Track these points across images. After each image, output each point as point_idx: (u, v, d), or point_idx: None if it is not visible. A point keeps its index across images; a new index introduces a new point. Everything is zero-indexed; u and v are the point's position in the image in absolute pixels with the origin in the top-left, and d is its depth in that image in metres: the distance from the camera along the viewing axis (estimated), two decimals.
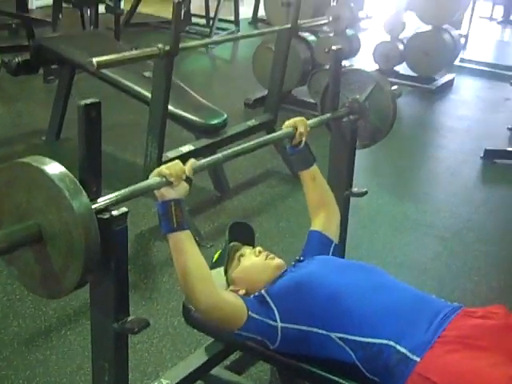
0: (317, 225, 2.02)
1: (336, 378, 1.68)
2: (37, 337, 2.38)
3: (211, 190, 3.67)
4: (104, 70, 3.52)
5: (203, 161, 1.73)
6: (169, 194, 1.51)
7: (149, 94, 3.15)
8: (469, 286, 2.96)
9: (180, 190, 1.53)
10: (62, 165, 1.30)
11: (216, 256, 1.92)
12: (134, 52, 2.97)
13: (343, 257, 2.30)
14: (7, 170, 1.32)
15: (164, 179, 1.51)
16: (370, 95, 2.31)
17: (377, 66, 6.23)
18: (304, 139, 1.97)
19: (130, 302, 2.56)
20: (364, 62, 6.32)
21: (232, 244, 1.89)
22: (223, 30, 7.72)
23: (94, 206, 1.34)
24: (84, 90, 4.47)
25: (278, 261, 1.85)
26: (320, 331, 1.65)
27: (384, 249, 3.25)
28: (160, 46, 2.88)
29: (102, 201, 1.40)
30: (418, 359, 1.52)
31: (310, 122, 2.04)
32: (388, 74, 6.21)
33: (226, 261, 1.85)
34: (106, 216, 1.39)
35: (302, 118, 1.98)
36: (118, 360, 1.52)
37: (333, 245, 1.99)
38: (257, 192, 3.79)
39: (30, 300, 2.56)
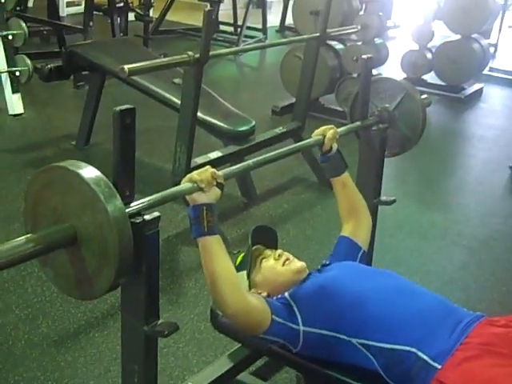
0: (346, 230, 2.03)
1: None
2: (66, 338, 2.42)
3: (238, 197, 3.69)
4: (134, 77, 3.56)
5: (233, 167, 1.76)
6: (200, 198, 1.54)
7: (178, 101, 3.18)
8: (496, 297, 2.93)
9: (211, 195, 1.55)
10: None
11: (239, 259, 1.93)
12: (165, 59, 3.01)
13: (370, 264, 2.30)
14: (44, 174, 1.36)
15: (195, 185, 1.53)
16: (399, 104, 2.31)
17: (404, 75, 6.22)
18: (335, 146, 1.98)
19: None
20: (392, 70, 6.31)
21: (254, 247, 1.90)
22: (251, 37, 7.76)
23: (127, 210, 1.36)
24: (113, 96, 4.53)
25: (298, 264, 1.86)
26: (342, 336, 1.65)
27: (411, 257, 3.24)
28: (190, 53, 2.92)
29: (135, 205, 1.43)
30: (438, 366, 1.52)
31: (339, 130, 2.04)
32: (416, 83, 6.18)
33: (248, 264, 1.86)
34: (139, 220, 1.41)
35: (332, 125, 1.99)
36: (147, 363, 1.53)
37: (361, 251, 1.99)
38: (283, 199, 3.80)
39: (60, 302, 2.59)
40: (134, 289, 1.48)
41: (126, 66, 2.64)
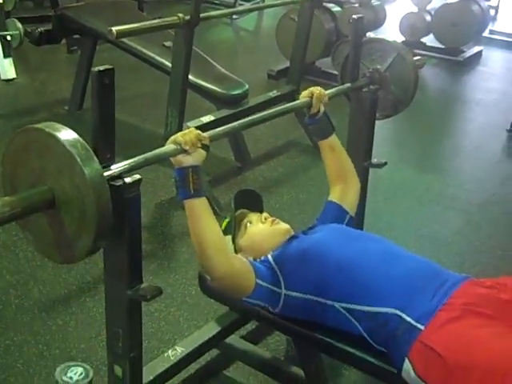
0: (334, 195, 2.01)
1: (349, 349, 1.68)
2: (57, 303, 2.42)
3: (232, 161, 3.66)
4: (125, 40, 3.51)
5: (219, 129, 1.72)
6: (186, 160, 1.51)
7: (170, 64, 3.13)
8: (491, 261, 2.92)
9: (196, 157, 1.53)
10: (84, 134, 1.31)
11: (224, 224, 1.91)
12: (154, 21, 2.96)
13: (361, 228, 2.29)
14: (21, 136, 1.33)
15: (179, 147, 1.50)
16: (391, 65, 2.27)
17: (403, 38, 6.13)
18: (322, 108, 1.94)
19: (148, 271, 2.61)
20: (390, 33, 6.21)
21: (239, 211, 1.88)
22: (248, 1, 7.63)
23: (107, 173, 1.34)
24: (106, 60, 4.42)
25: (284, 226, 1.85)
26: (324, 301, 1.64)
27: (405, 221, 3.22)
28: (180, 15, 2.87)
29: (116, 168, 1.40)
30: (422, 327, 1.50)
31: (328, 91, 2.01)
32: (414, 46, 6.10)
33: (233, 229, 1.84)
34: (119, 183, 1.38)
35: (318, 87, 1.95)
36: (131, 326, 1.53)
37: (348, 216, 1.97)
38: (278, 163, 3.77)
39: (51, 267, 2.59)
40: (117, 253, 1.47)
41: (115, 28, 2.59)
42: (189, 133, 1.53)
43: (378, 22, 5.16)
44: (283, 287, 1.67)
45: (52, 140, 1.27)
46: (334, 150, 2.02)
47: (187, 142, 1.50)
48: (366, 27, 4.84)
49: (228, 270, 1.60)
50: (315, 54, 4.96)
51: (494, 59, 6.48)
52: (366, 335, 1.61)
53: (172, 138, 1.53)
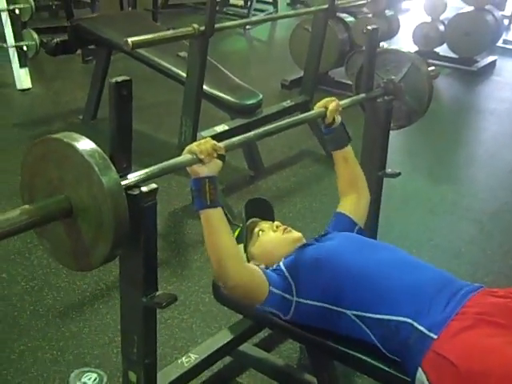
0: (344, 206, 2.01)
1: (362, 357, 1.68)
2: (71, 310, 2.44)
3: (245, 170, 3.68)
4: (140, 51, 3.55)
5: (235, 139, 1.73)
6: (201, 170, 1.52)
7: (184, 74, 3.16)
8: (504, 270, 2.91)
9: (212, 167, 1.53)
10: (98, 143, 1.32)
11: (236, 233, 1.93)
12: (170, 32, 2.99)
13: (374, 238, 2.29)
14: (40, 146, 1.34)
15: (195, 156, 1.51)
16: (405, 76, 2.28)
17: (416, 48, 6.13)
18: (338, 118, 1.95)
19: (162, 278, 2.62)
20: (404, 43, 6.23)
21: (250, 220, 1.89)
22: (261, 11, 7.69)
23: (123, 183, 1.36)
24: (121, 70, 4.50)
25: (295, 234, 1.86)
26: (336, 308, 1.64)
27: (418, 231, 3.22)
28: (195, 25, 2.90)
29: (132, 177, 1.42)
30: (435, 337, 1.50)
31: (342, 102, 2.01)
32: (428, 56, 6.10)
33: (245, 237, 1.85)
34: (136, 192, 1.40)
35: (334, 97, 1.96)
36: (146, 333, 1.54)
37: (356, 228, 1.96)
38: (291, 172, 3.79)
39: (65, 274, 2.62)
40: (132, 260, 1.48)
41: (130, 39, 2.63)
42: (204, 143, 1.53)
43: (391, 32, 5.17)
44: (295, 294, 1.68)
45: (70, 150, 1.28)
46: (347, 161, 2.01)
47: (203, 151, 1.51)
48: (380, 37, 4.90)
49: (242, 278, 1.61)
50: (329, 64, 4.98)
51: (507, 69, 6.46)
52: (378, 343, 1.62)
53: (188, 147, 1.54)
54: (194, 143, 1.54)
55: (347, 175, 2.03)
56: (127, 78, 1.40)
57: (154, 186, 1.45)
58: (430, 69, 2.34)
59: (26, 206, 1.30)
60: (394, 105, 2.28)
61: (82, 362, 2.18)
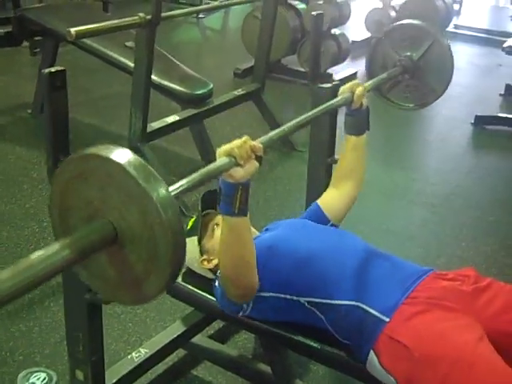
0: (325, 199, 1.94)
1: (313, 344, 1.68)
2: (20, 309, 2.38)
3: (198, 160, 3.65)
4: (87, 41, 3.49)
5: (272, 133, 1.54)
6: (238, 175, 1.34)
7: (132, 65, 3.11)
8: (456, 252, 2.96)
9: (250, 170, 1.35)
10: None
11: (190, 224, 1.89)
12: (115, 21, 2.92)
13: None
14: (79, 162, 1.10)
15: (233, 159, 1.33)
16: (425, 52, 2.07)
17: (369, 34, 6.18)
18: (365, 102, 1.86)
19: None
20: (356, 29, 6.25)
21: (205, 212, 1.86)
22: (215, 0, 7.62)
23: None
24: (70, 62, 4.41)
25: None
26: (289, 297, 1.63)
27: (371, 216, 3.24)
28: (141, 14, 2.85)
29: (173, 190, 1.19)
30: (387, 319, 1.51)
31: (367, 84, 1.91)
32: None
33: (199, 230, 1.82)
34: None
35: (358, 81, 1.86)
36: (91, 330, 1.52)
37: (329, 224, 1.90)
38: None
39: None
40: None
41: (73, 29, 2.57)
42: (243, 144, 1.34)
43: (342, 18, 5.18)
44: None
45: (121, 172, 1.03)
46: (356, 149, 1.92)
47: (243, 155, 1.32)
48: (331, 24, 4.91)
49: (254, 286, 1.57)
50: (281, 51, 4.97)
51: (458, 53, 6.54)
52: (331, 329, 1.61)
53: (225, 149, 1.34)
54: (233, 144, 1.34)
55: (349, 163, 1.94)
56: (61, 67, 1.36)
57: None
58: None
59: (65, 239, 1.03)
60: (410, 84, 2.12)
61: (32, 361, 2.13)
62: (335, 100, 1.83)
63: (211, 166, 1.30)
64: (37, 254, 0.96)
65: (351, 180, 1.95)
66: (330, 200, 1.93)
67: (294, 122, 1.63)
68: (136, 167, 1.01)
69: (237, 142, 1.34)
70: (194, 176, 1.25)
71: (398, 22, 2.16)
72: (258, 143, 1.37)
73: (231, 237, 1.46)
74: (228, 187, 1.36)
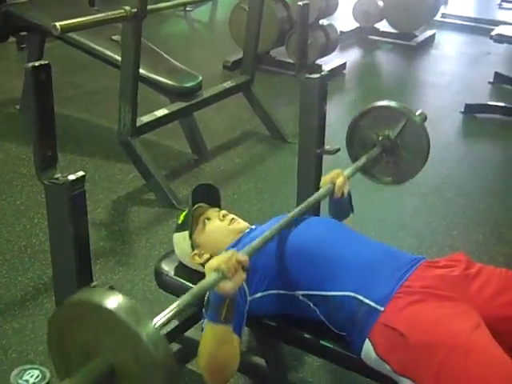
0: None
1: (307, 336, 1.69)
2: (12, 306, 2.37)
3: (188, 154, 3.64)
4: (73, 35, 3.46)
5: (254, 243, 1.53)
6: (227, 287, 1.39)
7: (119, 58, 3.09)
8: (447, 241, 2.96)
9: (238, 281, 1.40)
10: None
11: (181, 218, 1.89)
12: (100, 15, 2.90)
13: (317, 215, 2.29)
14: (72, 307, 1.16)
15: (221, 274, 1.38)
16: (401, 131, 2.11)
17: (357, 24, 6.17)
18: (346, 190, 1.88)
19: (107, 268, 2.59)
20: (344, 20, 6.24)
21: (196, 206, 1.86)
22: None
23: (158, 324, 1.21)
24: (58, 57, 4.38)
25: (241, 224, 1.84)
26: (284, 292, 1.63)
27: (363, 205, 3.20)
28: (127, 8, 2.83)
29: (162, 317, 1.25)
30: (381, 309, 1.51)
31: (347, 171, 1.93)
32: (369, 32, 6.15)
33: (190, 224, 1.82)
34: (61, 182, 1.34)
35: (338, 170, 1.89)
36: None
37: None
38: (235, 154, 3.76)
39: (6, 269, 2.54)
40: (64, 251, 1.44)
41: (58, 23, 2.54)
42: (230, 259, 1.39)
43: (330, 9, 5.17)
44: (248, 297, 1.64)
45: (112, 317, 1.09)
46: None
47: (230, 269, 1.38)
48: (319, 15, 4.89)
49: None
50: (269, 43, 4.96)
51: (446, 42, 6.57)
52: (325, 320, 1.62)
53: (213, 264, 1.39)
54: (220, 259, 1.39)
55: None
56: (45, 62, 1.34)
57: (81, 173, 1.40)
58: (417, 113, 2.17)
59: (68, 381, 1.10)
60: (389, 160, 2.15)
61: (26, 359, 2.12)
62: (318, 194, 1.86)
63: (201, 285, 1.35)
64: None
65: None
66: None
67: (279, 223, 1.62)
68: (126, 311, 1.07)
69: (223, 257, 1.39)
70: (184, 298, 1.28)
71: (370, 105, 2.20)
72: (243, 256, 1.41)
73: (214, 341, 1.49)
74: (217, 298, 1.42)
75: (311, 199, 1.83)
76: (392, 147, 2.12)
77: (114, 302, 1.09)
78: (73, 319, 1.15)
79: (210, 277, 1.38)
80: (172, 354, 1.11)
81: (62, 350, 1.20)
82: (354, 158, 2.15)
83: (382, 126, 2.13)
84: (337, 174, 1.87)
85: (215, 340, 1.48)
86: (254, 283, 1.65)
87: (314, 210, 2.26)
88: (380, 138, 2.12)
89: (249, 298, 1.65)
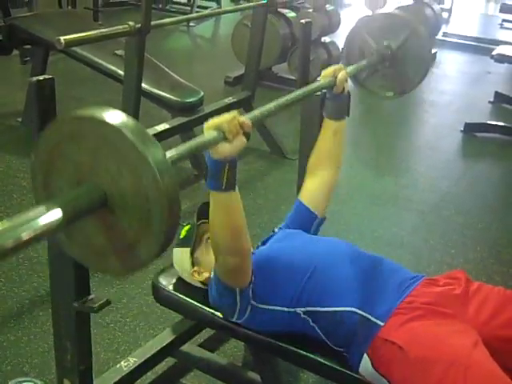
0: (303, 192, 1.91)
1: (303, 352, 1.68)
2: (8, 318, 2.37)
3: (189, 168, 3.65)
4: (77, 50, 3.49)
5: (258, 111, 1.47)
6: (226, 150, 1.30)
7: (122, 73, 3.11)
8: (446, 259, 2.97)
9: (237, 146, 1.30)
10: None
11: (183, 233, 1.87)
12: (104, 30, 2.92)
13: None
14: (71, 123, 1.04)
15: (221, 134, 1.28)
16: (403, 42, 2.06)
17: None
18: (347, 86, 1.83)
19: (104, 281, 2.58)
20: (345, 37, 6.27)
21: (200, 222, 1.85)
22: (205, 8, 7.64)
23: None
24: (61, 71, 4.43)
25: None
26: (284, 308, 1.62)
27: (362, 223, 3.25)
28: (131, 23, 2.85)
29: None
30: (381, 324, 1.51)
31: (348, 69, 1.88)
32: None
33: (193, 241, 1.81)
34: None
35: (341, 65, 1.84)
36: (80, 339, 1.51)
37: (316, 220, 1.89)
38: None
39: (3, 282, 2.54)
40: (62, 264, 1.45)
41: (62, 37, 2.56)
42: (232, 119, 1.29)
43: (332, 26, 5.21)
44: (251, 297, 1.62)
45: (117, 135, 0.96)
46: (335, 134, 1.89)
47: (232, 130, 1.28)
48: (321, 32, 4.93)
49: (248, 254, 1.54)
50: (271, 59, 4.99)
51: (447, 61, 6.60)
52: (323, 336, 1.61)
53: (213, 123, 1.29)
54: (222, 118, 1.29)
55: (327, 148, 1.91)
56: (49, 76, 1.35)
57: None
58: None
59: (52, 203, 0.96)
60: (387, 72, 2.12)
61: (21, 371, 2.11)
62: (317, 83, 1.80)
63: (199, 139, 1.25)
64: (19, 217, 0.89)
65: (329, 166, 1.91)
66: (310, 191, 1.90)
67: (283, 99, 1.58)
68: (133, 130, 0.95)
69: (226, 117, 1.29)
70: (182, 148, 1.18)
71: (376, 12, 2.17)
72: (247, 119, 1.33)
73: (220, 211, 1.43)
74: (215, 165, 1.34)
75: (312, 86, 1.76)
76: (392, 58, 2.07)
77: (121, 120, 0.96)
78: (70, 137, 1.02)
79: (209, 134, 1.27)
80: (178, 189, 0.98)
81: (48, 176, 1.07)
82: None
83: (385, 36, 2.07)
84: (339, 68, 1.81)
85: (221, 209, 1.42)
86: (260, 289, 1.62)
87: (315, 231, 2.26)
88: (381, 47, 2.08)
89: (251, 301, 1.62)
